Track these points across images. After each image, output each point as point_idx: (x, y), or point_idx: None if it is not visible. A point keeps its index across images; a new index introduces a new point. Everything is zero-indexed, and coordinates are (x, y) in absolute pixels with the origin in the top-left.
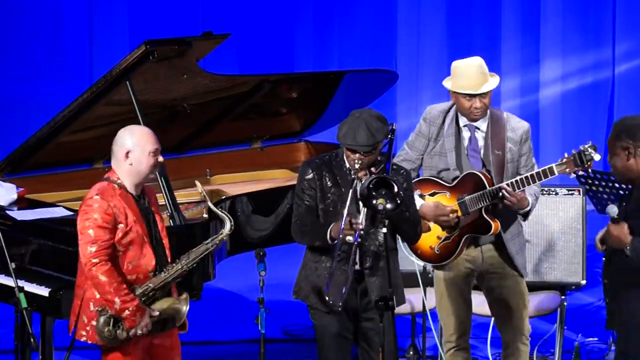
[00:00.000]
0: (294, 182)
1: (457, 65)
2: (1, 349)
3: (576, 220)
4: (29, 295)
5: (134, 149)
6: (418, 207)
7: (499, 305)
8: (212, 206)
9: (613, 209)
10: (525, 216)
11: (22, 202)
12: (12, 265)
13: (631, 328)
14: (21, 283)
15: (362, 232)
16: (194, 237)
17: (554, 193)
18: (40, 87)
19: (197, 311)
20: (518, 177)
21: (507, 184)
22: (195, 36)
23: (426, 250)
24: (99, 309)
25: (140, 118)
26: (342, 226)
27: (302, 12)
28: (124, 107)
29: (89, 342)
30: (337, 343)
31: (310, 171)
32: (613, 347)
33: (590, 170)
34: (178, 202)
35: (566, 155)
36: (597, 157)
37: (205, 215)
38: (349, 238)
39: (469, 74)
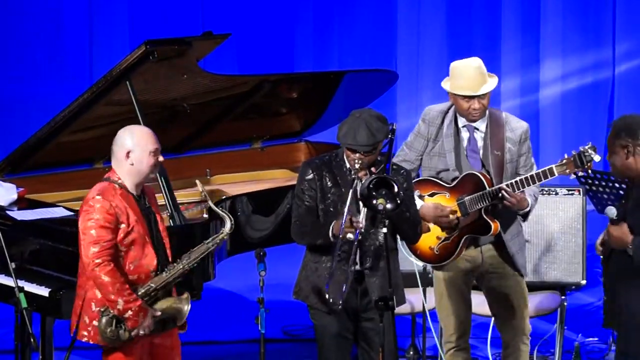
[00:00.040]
0: (294, 182)
1: (456, 65)
2: (1, 349)
3: (576, 220)
4: (29, 295)
5: (134, 149)
6: (418, 208)
7: (499, 305)
8: (212, 205)
9: (612, 211)
10: (525, 217)
11: (22, 202)
12: (12, 265)
13: (631, 328)
14: (21, 283)
15: (362, 230)
16: (194, 237)
17: (554, 193)
18: (40, 87)
19: (197, 311)
20: (518, 178)
21: (507, 185)
22: (195, 36)
23: (425, 250)
24: (102, 309)
25: (140, 118)
26: (343, 224)
27: (302, 12)
28: (124, 107)
29: (91, 342)
30: (337, 343)
31: (310, 171)
32: (613, 347)
33: (590, 170)
34: (178, 202)
35: (566, 156)
36: (597, 158)
37: (205, 215)
38: (350, 235)
39: (468, 75)
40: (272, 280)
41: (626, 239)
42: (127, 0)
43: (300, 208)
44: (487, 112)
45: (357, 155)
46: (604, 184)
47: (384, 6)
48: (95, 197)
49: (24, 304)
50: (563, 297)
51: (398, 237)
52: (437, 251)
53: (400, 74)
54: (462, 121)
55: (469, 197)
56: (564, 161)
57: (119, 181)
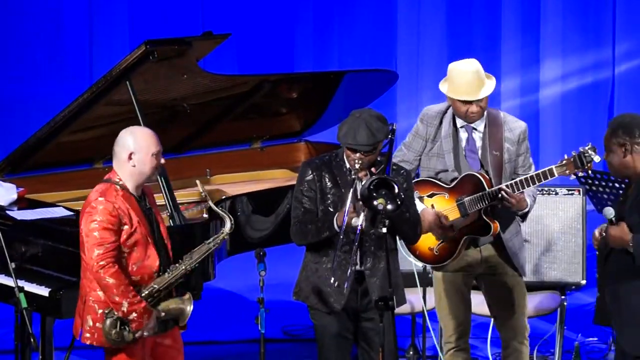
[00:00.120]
0: (294, 182)
1: (453, 68)
2: (1, 349)
3: (576, 220)
4: (29, 295)
5: (137, 150)
6: (419, 211)
7: (498, 306)
8: (212, 205)
9: (609, 211)
10: (524, 217)
11: (22, 202)
12: (12, 265)
13: (632, 328)
14: (21, 283)
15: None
16: (194, 237)
17: (553, 193)
18: (40, 87)
19: (197, 311)
20: (518, 179)
21: (507, 186)
22: (195, 36)
23: (425, 251)
24: (106, 311)
25: (140, 118)
26: (347, 210)
27: (302, 12)
28: (124, 107)
29: (95, 344)
30: (337, 343)
31: (310, 172)
32: (613, 347)
33: (590, 171)
34: (178, 202)
35: (566, 156)
36: (597, 158)
37: (205, 215)
38: (355, 220)
39: (466, 79)
40: (272, 280)
41: (626, 238)
42: (127, 0)
43: (298, 210)
44: (485, 112)
45: (357, 155)
46: (604, 184)
47: (384, 6)
48: (97, 198)
49: (24, 304)
50: (563, 297)
51: (397, 237)
52: (436, 252)
53: (400, 74)
54: (460, 121)
55: (469, 197)
56: (564, 162)
57: (120, 182)
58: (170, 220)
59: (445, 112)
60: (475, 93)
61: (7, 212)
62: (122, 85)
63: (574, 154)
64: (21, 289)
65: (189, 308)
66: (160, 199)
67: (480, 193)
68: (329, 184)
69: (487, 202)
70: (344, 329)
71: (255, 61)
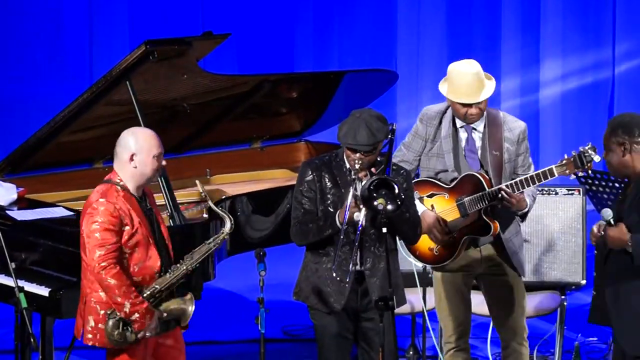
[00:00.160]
0: (294, 182)
1: (453, 69)
2: (1, 349)
3: (576, 220)
4: (29, 295)
5: (138, 152)
6: (420, 213)
7: (498, 306)
8: (212, 205)
9: (607, 213)
10: (523, 217)
11: (22, 202)
12: (12, 265)
13: (632, 328)
14: (21, 283)
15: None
16: (194, 237)
17: (553, 193)
18: (40, 87)
19: (197, 311)
20: (518, 179)
21: (507, 186)
22: (195, 36)
23: (425, 251)
24: (108, 312)
25: (140, 118)
26: (348, 205)
27: (302, 12)
28: (124, 107)
29: (97, 345)
30: (337, 343)
31: (310, 172)
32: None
33: (590, 170)
34: (178, 202)
35: (566, 156)
36: (597, 158)
37: (205, 215)
38: (357, 214)
39: (466, 81)
40: (272, 280)
41: (624, 238)
42: (127, 0)
43: (297, 211)
44: (485, 112)
45: (357, 155)
46: (604, 184)
47: (384, 6)
48: (98, 199)
49: (24, 304)
50: (563, 297)
51: (397, 237)
52: (436, 252)
53: (400, 74)
54: (460, 122)
55: (468, 197)
56: (564, 162)
57: (121, 183)
58: (170, 220)
59: (445, 112)
60: (475, 96)
61: (7, 212)
62: (122, 85)
63: (574, 153)
64: (21, 289)
65: (191, 308)
66: (160, 199)
67: (480, 193)
68: (328, 184)
69: (487, 202)
70: (344, 329)
71: (255, 61)
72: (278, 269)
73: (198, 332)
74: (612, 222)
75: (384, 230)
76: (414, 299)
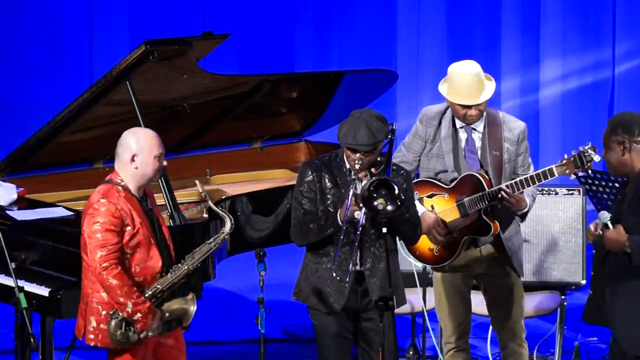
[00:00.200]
0: (294, 182)
1: (453, 70)
2: (1, 349)
3: (576, 220)
4: (29, 295)
5: (140, 152)
6: (420, 213)
7: (496, 307)
8: (212, 205)
9: (604, 215)
10: (523, 217)
11: (22, 202)
12: (12, 265)
13: (631, 328)
14: (21, 283)
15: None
16: (194, 237)
17: (554, 193)
18: (40, 87)
19: (197, 311)
20: (518, 179)
21: (507, 186)
22: (195, 36)
23: (425, 251)
24: (111, 312)
25: (140, 118)
26: (349, 203)
27: (302, 12)
28: (124, 107)
29: (99, 345)
30: (337, 343)
31: (310, 172)
32: None
33: (590, 170)
34: (178, 202)
35: (566, 156)
36: (597, 158)
37: (205, 215)
38: (357, 213)
39: (466, 82)
40: (272, 280)
41: (622, 239)
42: (127, 0)
43: (297, 211)
44: (485, 112)
45: (358, 155)
46: (604, 184)
47: (384, 6)
48: (99, 200)
49: (24, 304)
50: (563, 297)
51: (397, 237)
52: (436, 252)
53: (400, 74)
54: (459, 122)
55: (468, 198)
56: (564, 161)
57: (122, 183)
58: (170, 220)
59: (445, 112)
60: (475, 97)
61: (7, 212)
62: (122, 85)
63: (574, 153)
64: (21, 289)
65: (193, 308)
66: (160, 199)
67: (480, 193)
68: (328, 184)
69: (487, 202)
70: (344, 329)
71: (255, 61)
72: (278, 269)
73: (198, 332)
74: (609, 224)
75: (384, 230)
76: (414, 299)
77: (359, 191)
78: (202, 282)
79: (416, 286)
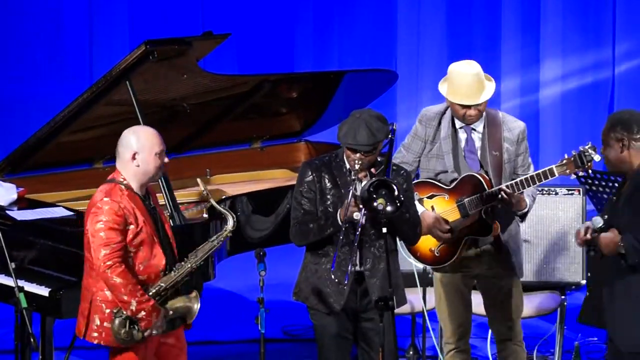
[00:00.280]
0: (294, 182)
1: (453, 70)
2: (1, 349)
3: (576, 220)
4: (29, 295)
5: (140, 150)
6: (419, 214)
7: (495, 307)
8: (214, 203)
9: (597, 221)
10: (523, 217)
11: (22, 202)
12: (12, 265)
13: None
14: (21, 283)
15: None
16: (193, 237)
17: (553, 193)
18: (40, 87)
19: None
20: (518, 179)
21: (507, 186)
22: (195, 36)
23: (425, 252)
24: (115, 310)
25: (140, 118)
26: (349, 203)
27: (302, 12)
28: (124, 107)
29: (102, 344)
30: (337, 343)
31: (310, 173)
32: None
33: (590, 170)
34: (178, 202)
35: (566, 156)
36: (597, 157)
37: (205, 215)
38: (357, 214)
39: (466, 82)
40: (272, 280)
41: (616, 240)
42: (127, 0)
43: (297, 211)
44: (484, 112)
45: (358, 155)
46: (604, 184)
47: (384, 6)
48: (103, 199)
49: (24, 304)
50: (563, 297)
51: (397, 238)
52: (437, 253)
53: (400, 74)
54: (459, 122)
55: (469, 198)
56: (564, 161)
57: (125, 182)
58: (170, 220)
59: (444, 113)
60: (475, 97)
61: (7, 212)
62: (122, 85)
63: (574, 153)
64: (21, 289)
65: (196, 306)
66: (160, 199)
67: (480, 193)
68: (328, 184)
69: (487, 202)
70: (344, 329)
71: (255, 61)
72: (278, 269)
73: (198, 332)
74: (602, 228)
75: (384, 230)
76: (414, 299)
77: (358, 192)
78: (202, 282)
79: (416, 286)
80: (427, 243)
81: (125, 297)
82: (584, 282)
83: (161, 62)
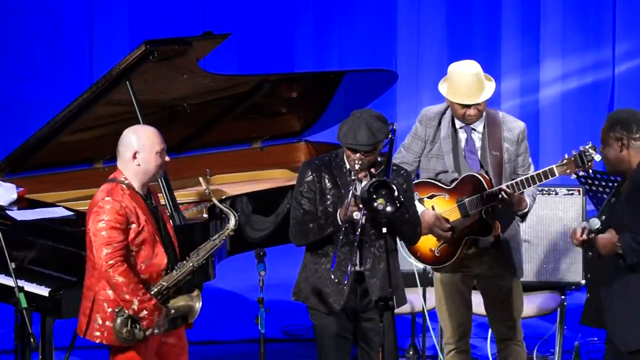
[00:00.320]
0: (294, 182)
1: (453, 70)
2: (1, 349)
3: (576, 220)
4: (29, 295)
5: (141, 149)
6: (419, 213)
7: (495, 307)
8: (216, 202)
9: (594, 222)
10: (523, 217)
11: (22, 202)
12: (12, 265)
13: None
14: (21, 283)
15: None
16: (193, 237)
17: (553, 193)
18: (40, 87)
19: None
20: (519, 179)
21: (507, 186)
22: (195, 36)
23: (426, 252)
24: (116, 309)
25: (140, 118)
26: (349, 202)
27: (302, 12)
28: (124, 107)
29: (104, 342)
30: (337, 343)
31: (310, 172)
32: None
33: (590, 170)
34: (178, 202)
35: (566, 156)
36: (597, 157)
37: (205, 215)
38: (356, 213)
39: (466, 82)
40: (272, 280)
41: (614, 240)
42: (127, 0)
43: (296, 211)
44: (484, 112)
45: (358, 155)
46: (604, 184)
47: (384, 6)
48: (104, 198)
49: (24, 304)
50: (563, 297)
51: (398, 238)
52: (437, 253)
53: (400, 74)
54: (459, 122)
55: (469, 198)
56: (565, 161)
57: (126, 181)
58: (170, 220)
59: (444, 113)
60: (475, 96)
61: (7, 212)
62: (122, 85)
63: (574, 153)
64: (21, 289)
65: (198, 305)
66: (160, 199)
67: (481, 193)
68: (328, 184)
69: (487, 202)
70: (344, 329)
71: (255, 61)
72: (278, 269)
73: (198, 331)
74: (600, 229)
75: (384, 230)
76: (414, 299)
77: (358, 192)
78: (202, 282)
79: (416, 286)
80: (428, 243)
81: (127, 296)
82: (584, 282)
83: (161, 62)
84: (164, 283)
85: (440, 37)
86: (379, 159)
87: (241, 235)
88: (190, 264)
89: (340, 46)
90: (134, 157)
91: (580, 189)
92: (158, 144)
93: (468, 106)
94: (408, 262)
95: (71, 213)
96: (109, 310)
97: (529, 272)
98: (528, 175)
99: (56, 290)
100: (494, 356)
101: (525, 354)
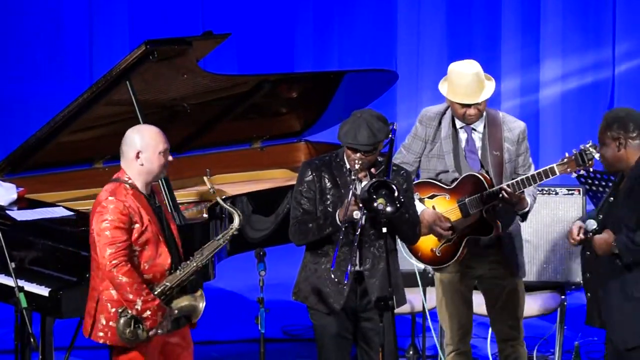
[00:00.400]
0: (294, 182)
1: (453, 69)
2: (1, 349)
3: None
4: (29, 295)
5: (144, 149)
6: (419, 212)
7: (496, 307)
8: (220, 201)
9: (591, 223)
10: (524, 217)
11: (22, 202)
12: (12, 265)
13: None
14: (21, 283)
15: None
16: (194, 237)
17: (554, 193)
18: (40, 87)
19: None
20: (519, 178)
21: (508, 185)
22: (195, 36)
23: (427, 252)
24: (120, 310)
25: (140, 118)
26: (349, 202)
27: (302, 12)
28: (124, 107)
29: (108, 343)
30: (337, 343)
31: (310, 172)
32: None
33: (590, 170)
34: (178, 202)
35: (567, 155)
36: (597, 156)
37: (205, 215)
38: (356, 213)
39: (466, 82)
40: (272, 280)
41: (610, 241)
42: (127, 0)
43: (296, 211)
44: (484, 112)
45: (358, 155)
46: (603, 183)
47: (384, 6)
48: (107, 198)
49: (24, 304)
50: (563, 297)
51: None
52: (438, 253)
53: (400, 74)
54: (459, 122)
55: (469, 198)
56: (565, 160)
57: (129, 181)
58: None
59: (444, 113)
60: (475, 96)
61: (7, 212)
62: (122, 85)
63: (574, 151)
64: (21, 289)
65: (202, 305)
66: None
67: (481, 193)
68: (328, 184)
69: (488, 202)
70: (344, 329)
71: (255, 61)
72: (278, 269)
73: (198, 331)
74: (596, 230)
75: (384, 230)
76: (414, 299)
77: (358, 191)
78: (202, 282)
79: (417, 286)
80: (429, 243)
81: (131, 296)
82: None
83: (161, 62)
84: (167, 283)
85: (440, 37)
86: (379, 159)
87: (241, 235)
88: (194, 264)
89: (340, 46)
90: (137, 156)
91: (581, 189)
92: (161, 144)
93: (468, 106)
94: (408, 262)
95: (71, 213)
96: (113, 310)
97: (528, 272)
98: (529, 175)
99: (56, 290)
100: (494, 356)
101: (526, 354)
